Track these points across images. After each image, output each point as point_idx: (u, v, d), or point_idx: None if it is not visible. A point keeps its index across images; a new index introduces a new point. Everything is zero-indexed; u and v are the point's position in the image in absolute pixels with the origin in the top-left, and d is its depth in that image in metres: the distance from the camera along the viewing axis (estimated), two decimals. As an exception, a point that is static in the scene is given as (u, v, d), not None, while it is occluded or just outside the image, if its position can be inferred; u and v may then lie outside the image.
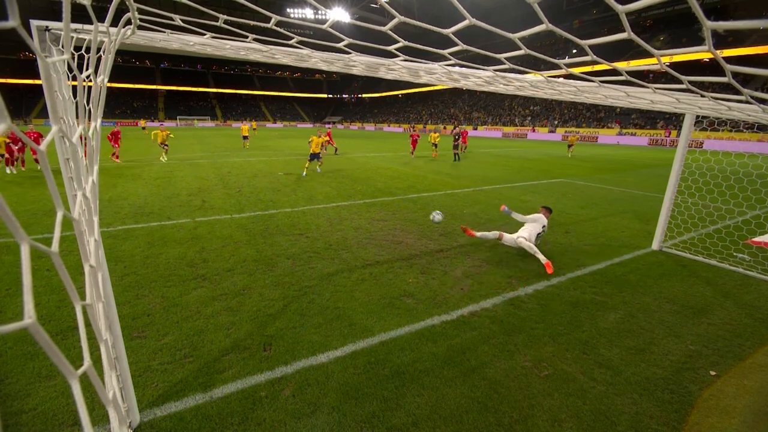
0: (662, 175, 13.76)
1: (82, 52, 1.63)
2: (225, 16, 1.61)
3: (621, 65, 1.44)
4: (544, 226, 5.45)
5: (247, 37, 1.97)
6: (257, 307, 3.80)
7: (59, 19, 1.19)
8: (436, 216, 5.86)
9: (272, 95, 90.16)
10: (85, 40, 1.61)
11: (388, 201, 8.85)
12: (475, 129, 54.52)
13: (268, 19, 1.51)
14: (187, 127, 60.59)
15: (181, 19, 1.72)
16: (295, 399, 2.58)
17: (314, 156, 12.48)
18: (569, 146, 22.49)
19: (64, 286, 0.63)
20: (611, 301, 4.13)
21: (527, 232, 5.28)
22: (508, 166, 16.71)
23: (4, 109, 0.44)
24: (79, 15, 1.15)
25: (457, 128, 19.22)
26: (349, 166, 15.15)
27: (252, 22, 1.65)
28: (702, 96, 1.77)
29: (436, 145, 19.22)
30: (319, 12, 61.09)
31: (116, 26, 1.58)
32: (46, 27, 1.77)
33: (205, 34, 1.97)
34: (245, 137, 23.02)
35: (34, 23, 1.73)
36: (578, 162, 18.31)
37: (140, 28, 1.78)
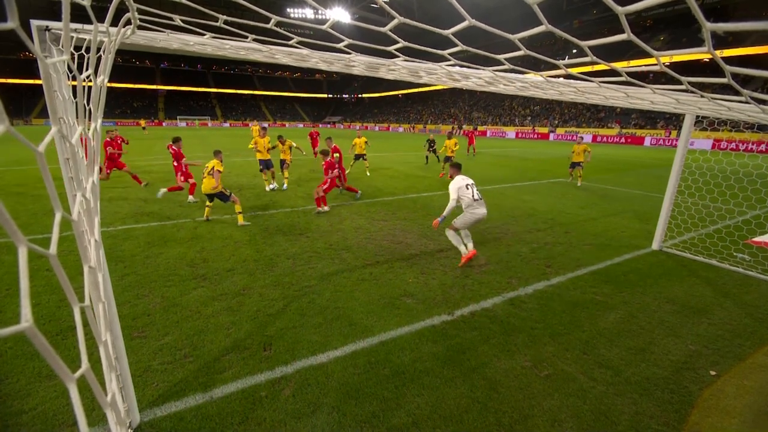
0: (662, 175, 13.76)
1: (82, 51, 1.63)
2: (225, 17, 1.61)
3: (621, 65, 1.44)
4: (469, 186, 4.85)
5: (247, 37, 1.97)
6: (257, 306, 3.80)
7: (59, 18, 1.19)
8: None
9: (272, 95, 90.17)
10: (85, 39, 1.61)
11: (388, 201, 8.85)
12: (475, 129, 54.26)
13: (267, 20, 1.51)
14: (189, 128, 60.62)
15: (181, 20, 1.71)
16: (295, 399, 2.58)
17: (359, 156, 12.77)
18: (574, 165, 11.83)
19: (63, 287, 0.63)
20: (611, 301, 4.13)
21: (459, 221, 4.87)
22: (508, 165, 16.70)
23: (2, 111, 0.44)
24: (80, 15, 1.15)
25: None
26: (348, 166, 15.14)
27: (252, 23, 1.65)
28: (702, 96, 1.77)
29: (450, 159, 12.87)
30: (319, 12, 61.08)
31: (116, 26, 1.58)
32: (46, 27, 1.76)
33: (205, 35, 1.97)
34: None
35: (34, 23, 1.73)
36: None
37: (140, 28, 1.78)
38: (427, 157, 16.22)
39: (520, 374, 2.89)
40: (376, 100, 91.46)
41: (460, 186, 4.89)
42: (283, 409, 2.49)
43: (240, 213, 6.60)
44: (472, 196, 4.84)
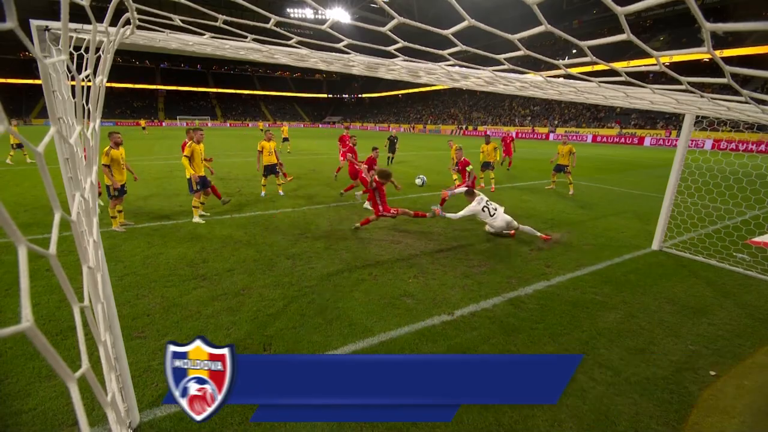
0: (662, 175, 13.75)
1: (82, 51, 1.63)
2: (224, 17, 1.61)
3: (621, 65, 1.44)
4: (485, 209, 5.72)
5: (246, 37, 1.97)
6: (257, 307, 3.80)
7: (59, 18, 1.19)
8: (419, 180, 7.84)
9: (272, 95, 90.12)
10: (84, 39, 1.61)
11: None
12: (475, 129, 54.05)
13: (267, 20, 1.51)
14: (188, 128, 60.55)
15: (181, 20, 1.71)
16: (295, 399, 2.58)
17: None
18: (559, 169, 10.57)
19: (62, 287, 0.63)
20: (611, 301, 4.13)
21: (499, 221, 5.79)
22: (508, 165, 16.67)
23: (1, 111, 0.43)
24: (79, 15, 1.15)
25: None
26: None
27: (251, 23, 1.65)
28: (701, 97, 1.77)
29: (489, 165, 10.72)
30: (319, 12, 61.04)
31: (115, 26, 1.58)
32: (46, 27, 1.76)
33: (204, 35, 1.97)
34: (285, 139, 19.60)
35: (34, 23, 1.73)
36: (578, 162, 18.19)
37: (140, 28, 1.78)
38: (388, 158, 14.64)
39: (520, 374, 2.88)
40: (376, 100, 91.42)
41: (476, 211, 5.77)
42: (282, 409, 2.48)
43: (120, 212, 6.17)
44: (489, 213, 5.70)
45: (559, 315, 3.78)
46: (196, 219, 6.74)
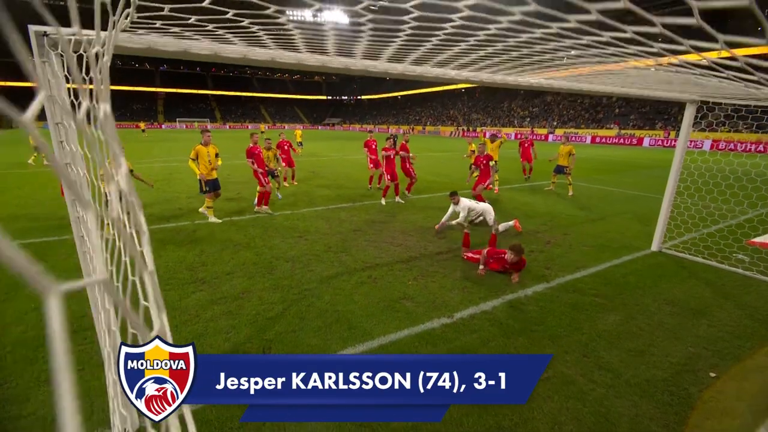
0: (661, 176, 13.75)
1: (82, 52, 1.62)
2: (246, 19, 1.60)
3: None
4: (472, 209, 6.03)
5: (268, 45, 1.96)
6: (256, 310, 3.79)
7: (55, 23, 1.19)
8: None
9: (271, 97, 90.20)
10: (81, 42, 1.61)
11: (387, 203, 8.84)
12: (474, 131, 53.99)
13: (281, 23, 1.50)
14: (188, 130, 60.64)
15: (196, 19, 1.70)
16: (295, 403, 2.57)
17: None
18: (558, 170, 10.54)
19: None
20: (611, 303, 4.12)
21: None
22: (507, 167, 16.70)
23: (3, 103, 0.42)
24: (68, 16, 1.15)
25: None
26: (348, 168, 15.16)
27: (261, 22, 1.63)
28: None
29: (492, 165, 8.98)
30: (318, 15, 60.91)
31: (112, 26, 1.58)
32: (44, 32, 1.77)
33: (220, 32, 1.95)
34: (300, 143, 18.73)
35: (32, 28, 1.73)
36: (577, 163, 18.18)
37: (142, 27, 1.77)
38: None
39: (520, 377, 2.88)
40: (375, 102, 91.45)
41: (468, 205, 6.05)
42: (282, 413, 2.48)
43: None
44: (470, 202, 6.19)
45: (558, 317, 3.78)
46: (212, 219, 6.92)
